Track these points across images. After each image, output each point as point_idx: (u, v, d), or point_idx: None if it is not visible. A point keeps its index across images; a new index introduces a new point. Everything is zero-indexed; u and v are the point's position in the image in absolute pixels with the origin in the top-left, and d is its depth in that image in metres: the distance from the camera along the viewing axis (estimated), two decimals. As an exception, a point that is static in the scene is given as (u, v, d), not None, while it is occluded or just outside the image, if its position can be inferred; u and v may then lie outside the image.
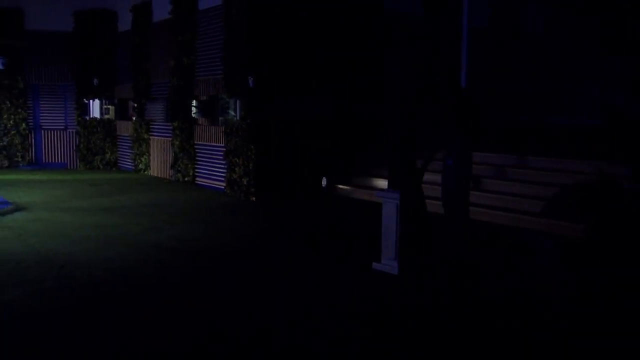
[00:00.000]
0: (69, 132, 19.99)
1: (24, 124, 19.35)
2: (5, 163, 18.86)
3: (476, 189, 11.26)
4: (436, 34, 15.96)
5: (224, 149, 13.89)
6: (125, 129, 19.31)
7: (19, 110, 19.20)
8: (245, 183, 13.13)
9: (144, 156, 17.98)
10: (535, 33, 17.57)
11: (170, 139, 16.34)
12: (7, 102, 18.93)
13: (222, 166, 14.16)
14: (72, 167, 19.82)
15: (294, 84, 13.69)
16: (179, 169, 15.91)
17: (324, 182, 9.78)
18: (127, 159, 19.17)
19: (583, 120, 13.67)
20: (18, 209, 11.77)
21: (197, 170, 15.42)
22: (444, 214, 8.17)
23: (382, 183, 12.23)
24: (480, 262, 8.15)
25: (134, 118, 18.79)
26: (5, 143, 19.00)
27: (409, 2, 15.71)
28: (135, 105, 18.56)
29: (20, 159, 19.37)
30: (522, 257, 8.51)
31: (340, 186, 13.36)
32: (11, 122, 19.09)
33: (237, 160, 13.32)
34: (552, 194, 10.09)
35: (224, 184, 14.05)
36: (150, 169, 17.82)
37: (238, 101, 13.77)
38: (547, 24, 17.01)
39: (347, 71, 14.49)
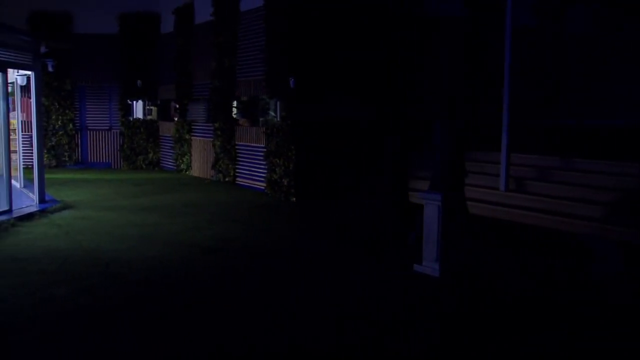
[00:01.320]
0: (114, 132, 20.28)
1: (71, 125, 19.73)
2: (54, 162, 19.23)
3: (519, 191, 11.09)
4: (479, 34, 15.75)
5: (265, 150, 13.91)
6: (167, 129, 19.51)
7: (67, 111, 19.58)
8: (285, 183, 13.13)
9: (186, 156, 18.13)
10: (582, 32, 17.20)
11: (212, 139, 16.44)
12: (56, 104, 19.32)
13: (263, 167, 14.18)
14: (116, 167, 20.11)
15: (334, 85, 13.63)
16: (220, 169, 15.99)
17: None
18: (169, 159, 19.36)
19: (633, 122, 13.37)
20: (66, 207, 11.98)
21: (237, 170, 15.48)
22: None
23: (422, 184, 12.12)
24: (523, 265, 8.00)
25: (176, 119, 18.97)
26: (53, 143, 19.39)
27: (450, 3, 15.54)
28: (178, 106, 18.73)
29: (67, 159, 19.75)
30: (573, 261, 8.30)
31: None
32: (59, 122, 19.47)
33: (278, 161, 13.32)
34: (605, 198, 9.85)
35: (264, 185, 14.07)
36: (191, 169, 17.96)
37: (278, 102, 13.78)
38: (595, 24, 16.64)
39: (387, 72, 14.38)
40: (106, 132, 20.34)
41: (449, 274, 7.36)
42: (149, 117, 20.62)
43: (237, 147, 15.46)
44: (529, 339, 5.54)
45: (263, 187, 14.14)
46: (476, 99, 15.10)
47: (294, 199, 12.91)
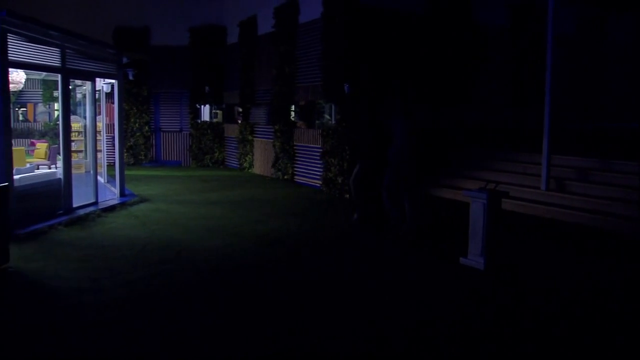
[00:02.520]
0: (184, 133, 20.67)
1: (146, 127, 20.21)
2: (131, 160, 19.72)
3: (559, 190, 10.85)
4: (523, 43, 15.47)
5: (321, 150, 13.96)
6: (231, 131, 19.77)
7: (143, 114, 20.07)
8: (340, 181, 13.14)
9: (248, 156, 18.34)
10: (622, 41, 16.70)
11: (272, 140, 16.58)
12: (134, 108, 19.82)
13: (319, 166, 14.23)
14: (185, 165, 20.48)
15: (386, 90, 13.60)
16: (280, 167, 16.12)
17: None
18: (233, 158, 19.62)
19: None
20: (142, 200, 12.28)
21: (295, 169, 15.58)
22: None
23: (469, 184, 11.98)
24: (568, 263, 7.83)
25: (239, 121, 19.20)
26: (131, 143, 19.90)
27: (496, 13, 15.31)
28: (241, 109, 18.95)
29: (143, 157, 20.25)
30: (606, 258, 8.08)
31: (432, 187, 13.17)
32: (137, 125, 19.97)
33: (333, 161, 13.35)
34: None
35: (320, 182, 14.13)
36: (253, 167, 18.16)
37: (334, 106, 13.80)
38: (635, 32, 16.13)
39: (437, 78, 14.29)
40: (177, 134, 20.75)
41: (493, 267, 7.26)
42: (215, 120, 20.92)
43: (295, 147, 15.56)
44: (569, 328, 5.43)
45: (319, 185, 14.20)
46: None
47: (347, 195, 12.92)
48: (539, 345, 5.04)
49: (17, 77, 12.25)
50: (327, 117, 15.07)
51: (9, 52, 8.81)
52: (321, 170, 14.06)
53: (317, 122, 15.47)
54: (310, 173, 14.85)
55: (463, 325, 5.51)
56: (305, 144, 15.06)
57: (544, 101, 11.15)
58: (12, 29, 8.84)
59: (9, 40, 8.78)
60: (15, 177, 9.28)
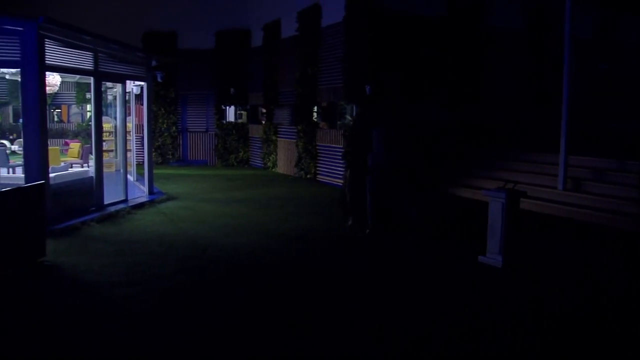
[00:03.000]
0: (209, 134, 20.82)
1: (174, 127, 20.40)
2: (159, 160, 19.91)
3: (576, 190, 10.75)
4: (538, 46, 15.34)
5: (342, 150, 13.95)
6: (256, 131, 19.86)
7: (171, 115, 20.27)
8: (360, 180, 13.13)
9: (272, 155, 18.41)
10: (634, 42, 16.45)
11: (295, 140, 16.63)
12: (162, 109, 20.02)
13: (341, 165, 14.23)
14: (211, 164, 20.63)
15: (407, 91, 13.60)
16: (302, 167, 16.16)
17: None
18: (258, 157, 19.71)
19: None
20: (170, 198, 12.40)
21: (318, 168, 15.61)
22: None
23: (487, 183, 11.90)
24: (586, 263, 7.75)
25: (263, 122, 19.29)
26: (159, 143, 20.09)
27: (510, 17, 15.19)
28: (265, 110, 19.03)
29: (170, 157, 20.44)
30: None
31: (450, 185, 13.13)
32: (164, 125, 20.17)
33: (354, 160, 13.34)
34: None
35: (342, 181, 14.11)
36: (277, 166, 18.23)
37: (355, 107, 13.80)
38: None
39: (453, 80, 14.23)
40: (203, 134, 20.91)
41: (511, 265, 7.22)
42: (240, 121, 21.04)
43: (317, 147, 15.59)
44: (589, 328, 5.38)
45: (341, 184, 14.19)
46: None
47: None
48: (556, 343, 5.01)
49: (52, 80, 12.44)
50: (349, 117, 15.07)
51: (46, 56, 8.96)
52: (343, 169, 14.05)
53: (338, 122, 15.47)
54: (332, 172, 14.87)
55: (480, 321, 5.49)
56: (328, 144, 15.09)
57: (561, 102, 11.06)
58: (49, 34, 8.99)
59: (46, 45, 8.94)
60: (51, 175, 9.43)
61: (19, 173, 12.54)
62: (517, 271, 7.13)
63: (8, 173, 13.47)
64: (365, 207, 9.18)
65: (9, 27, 8.75)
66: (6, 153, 14.16)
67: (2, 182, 11.00)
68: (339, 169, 14.34)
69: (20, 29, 8.71)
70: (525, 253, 7.70)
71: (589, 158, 11.53)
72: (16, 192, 6.94)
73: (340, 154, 14.08)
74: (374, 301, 6.05)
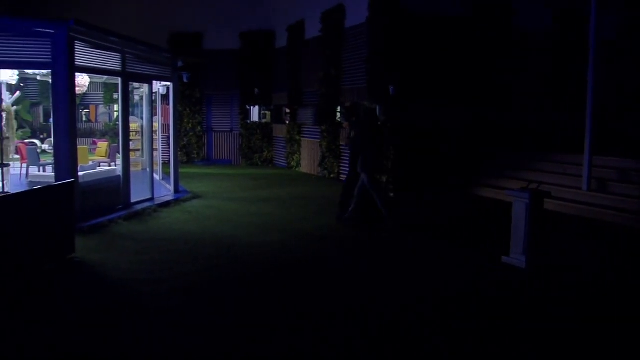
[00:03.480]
0: (234, 133, 21.00)
1: (199, 127, 20.63)
2: (185, 159, 20.13)
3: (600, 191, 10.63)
4: (565, 46, 15.17)
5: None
6: (280, 131, 19.97)
7: (196, 115, 20.50)
8: (384, 180, 13.15)
9: (296, 155, 18.50)
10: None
11: (319, 140, 16.70)
12: (187, 109, 20.25)
13: (364, 165, 14.24)
14: (235, 163, 20.80)
15: (431, 91, 13.58)
16: (326, 166, 16.22)
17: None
18: (281, 157, 19.82)
19: None
20: (195, 197, 12.54)
21: (341, 167, 15.65)
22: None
23: (511, 183, 11.83)
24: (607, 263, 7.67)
25: (287, 122, 19.38)
26: (185, 142, 20.33)
27: (537, 17, 15.05)
28: (289, 110, 19.13)
29: (195, 156, 20.67)
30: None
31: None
32: (190, 125, 20.41)
33: (377, 160, 13.37)
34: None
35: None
36: (300, 166, 18.31)
37: (378, 107, 13.79)
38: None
39: (477, 81, 14.16)
40: (228, 133, 21.10)
41: (535, 266, 7.18)
42: (264, 121, 21.17)
43: (341, 147, 15.63)
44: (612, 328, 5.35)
45: (363, 183, 14.21)
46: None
47: (392, 194, 12.93)
48: (581, 346, 4.99)
49: (82, 81, 12.69)
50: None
51: (76, 57, 9.15)
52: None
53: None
54: (355, 172, 14.87)
55: (504, 321, 5.48)
56: (351, 144, 15.10)
57: (586, 103, 10.97)
58: (79, 36, 9.18)
59: (75, 46, 9.13)
60: (80, 174, 9.63)
61: (49, 171, 12.83)
62: (540, 272, 7.09)
63: (39, 171, 13.77)
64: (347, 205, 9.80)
65: (41, 29, 8.96)
66: (37, 152, 14.45)
67: (33, 180, 11.26)
68: (362, 168, 14.35)
69: (52, 31, 8.91)
70: (549, 254, 7.66)
71: (614, 158, 11.40)
72: (47, 190, 7.12)
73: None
74: (396, 300, 6.07)
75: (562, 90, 15.41)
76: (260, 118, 21.24)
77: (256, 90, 20.15)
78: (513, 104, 14.76)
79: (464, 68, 13.99)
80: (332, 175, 15.89)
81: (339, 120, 16.01)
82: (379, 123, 10.49)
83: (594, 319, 5.58)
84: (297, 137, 18.32)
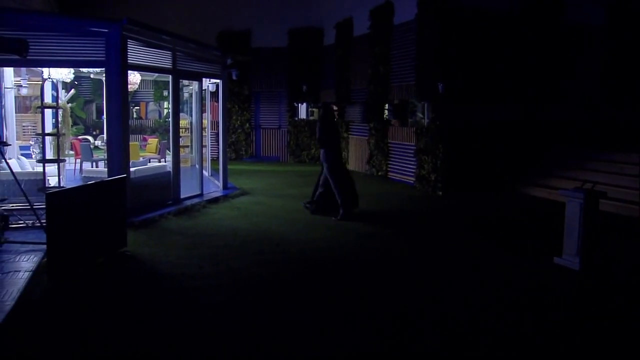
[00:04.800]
0: (282, 130, 21.13)
1: (247, 124, 20.85)
2: (233, 155, 20.36)
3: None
4: (619, 42, 14.71)
5: (414, 148, 13.88)
6: (327, 128, 19.94)
7: (244, 112, 20.73)
8: (433, 178, 13.03)
9: (344, 152, 18.45)
10: None
11: (367, 137, 16.65)
12: (236, 106, 20.50)
13: (412, 163, 14.16)
14: (283, 160, 20.92)
15: (480, 89, 13.37)
16: (374, 164, 16.17)
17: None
18: (329, 154, 19.78)
19: None
20: (243, 193, 12.69)
21: (389, 165, 15.57)
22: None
23: (563, 183, 11.55)
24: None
25: (335, 119, 19.34)
26: (233, 139, 20.57)
27: (589, 12, 14.64)
28: (337, 108, 19.10)
29: (244, 153, 20.90)
30: None
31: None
32: (238, 122, 20.65)
33: (426, 158, 13.25)
34: None
35: (413, 179, 14.05)
36: (348, 163, 18.27)
37: (427, 105, 13.68)
38: None
39: (528, 78, 13.88)
40: (276, 130, 21.24)
41: (589, 267, 6.99)
42: (311, 118, 21.22)
43: (389, 144, 15.55)
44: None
45: (412, 181, 14.12)
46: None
47: (440, 192, 12.79)
48: (635, 351, 4.83)
49: (133, 79, 13.02)
50: (420, 115, 14.93)
51: (128, 56, 9.39)
52: (414, 167, 13.98)
53: (410, 120, 15.38)
54: (403, 170, 14.80)
55: (557, 324, 5.36)
56: (399, 142, 15.03)
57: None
58: (131, 35, 9.42)
59: (128, 45, 9.37)
60: (131, 169, 9.88)
61: (102, 167, 13.21)
62: (595, 274, 6.90)
63: (92, 167, 14.21)
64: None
65: (95, 29, 9.24)
66: (90, 148, 14.91)
67: (87, 175, 11.62)
68: (411, 166, 14.26)
69: (106, 30, 9.17)
70: (604, 256, 7.44)
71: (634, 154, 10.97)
72: (101, 185, 7.34)
73: (412, 151, 14.03)
74: (448, 301, 6.01)
75: (618, 87, 14.94)
76: (307, 115, 21.30)
77: (304, 87, 20.22)
78: (566, 101, 14.40)
79: (514, 65, 13.72)
80: (379, 173, 15.83)
81: (386, 117, 15.94)
82: (335, 120, 11.36)
83: (653, 324, 5.40)
84: (345, 135, 18.29)
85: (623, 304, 5.98)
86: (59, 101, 12.59)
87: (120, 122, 9.38)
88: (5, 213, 7.80)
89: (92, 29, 9.24)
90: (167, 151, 13.78)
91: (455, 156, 12.97)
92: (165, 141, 15.65)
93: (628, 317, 5.58)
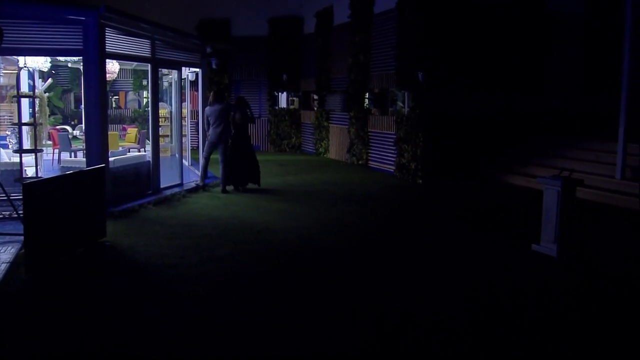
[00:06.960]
0: (262, 120, 21.04)
1: (227, 113, 20.69)
2: (213, 145, 20.22)
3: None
4: (598, 31, 14.84)
5: (394, 137, 13.93)
6: (308, 117, 19.96)
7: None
8: (413, 167, 13.09)
9: (324, 141, 18.48)
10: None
11: (347, 126, 16.65)
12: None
13: (392, 151, 14.20)
14: (264, 150, 20.85)
15: (460, 78, 13.43)
16: (354, 153, 16.19)
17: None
18: (310, 143, 19.82)
19: None
20: (223, 183, 12.61)
21: (369, 154, 15.61)
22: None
23: (541, 171, 11.67)
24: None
25: (315, 108, 19.35)
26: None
27: (569, 2, 14.75)
28: (317, 97, 19.09)
29: (224, 142, 20.75)
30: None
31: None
32: (218, 111, 20.48)
33: (406, 147, 13.30)
34: None
35: (393, 168, 14.10)
36: (329, 152, 18.30)
37: (407, 94, 13.71)
38: None
39: (507, 68, 13.97)
40: (256, 120, 21.13)
41: (567, 254, 7.08)
42: (292, 107, 21.17)
43: (369, 133, 15.58)
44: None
45: (392, 170, 14.18)
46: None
47: (420, 181, 12.86)
48: (614, 336, 4.92)
49: (112, 68, 12.84)
50: (401, 104, 14.97)
51: (106, 44, 9.26)
52: (395, 156, 14.03)
53: (390, 109, 15.41)
54: (384, 158, 14.85)
55: (536, 310, 5.44)
56: (380, 131, 15.06)
57: (620, 88, 10.72)
58: (109, 23, 9.28)
59: (106, 33, 9.23)
60: (110, 159, 9.77)
61: (80, 157, 13.05)
62: (573, 260, 7.00)
63: (70, 157, 14.03)
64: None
65: (72, 16, 9.08)
66: (68, 138, 14.72)
67: (65, 165, 11.48)
68: (391, 155, 14.31)
69: (83, 18, 9.02)
70: (581, 242, 7.54)
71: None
72: (79, 175, 7.25)
73: (392, 140, 14.07)
74: (426, 290, 6.06)
75: (595, 75, 15.10)
76: (288, 104, 21.24)
77: (284, 76, 20.14)
78: (545, 90, 14.53)
79: (494, 53, 13.80)
80: (360, 162, 15.86)
81: (367, 106, 15.95)
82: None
83: (624, 309, 5.49)
84: (325, 124, 18.30)
85: (600, 289, 6.08)
86: (36, 90, 12.39)
87: (99, 111, 9.25)
88: (-18, 204, 7.68)
89: (69, 16, 9.08)
90: (147, 141, 13.65)
91: (435, 145, 13.04)
92: (145, 131, 15.50)
93: (605, 302, 5.68)
